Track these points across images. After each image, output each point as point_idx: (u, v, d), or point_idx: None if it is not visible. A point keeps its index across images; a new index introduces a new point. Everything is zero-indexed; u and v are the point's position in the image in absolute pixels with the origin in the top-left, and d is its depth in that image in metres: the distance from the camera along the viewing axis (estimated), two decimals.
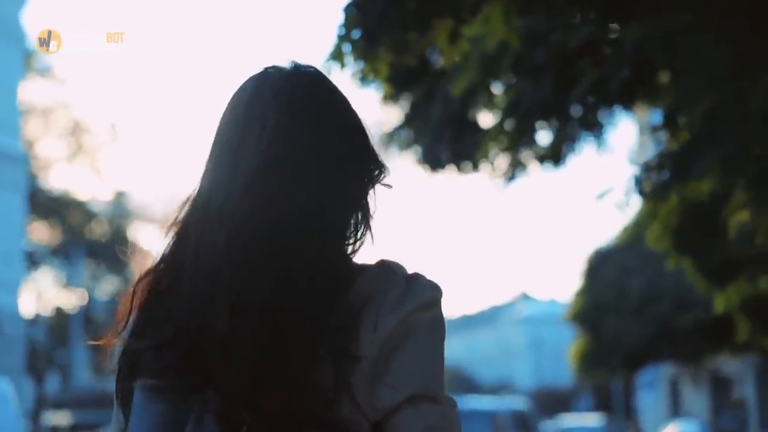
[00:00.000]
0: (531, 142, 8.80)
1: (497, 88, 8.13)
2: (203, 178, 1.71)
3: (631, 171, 7.98)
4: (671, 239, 9.76)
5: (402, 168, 10.67)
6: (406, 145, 10.42)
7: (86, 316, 45.89)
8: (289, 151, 1.64)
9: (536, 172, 9.51)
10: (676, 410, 39.07)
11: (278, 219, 1.61)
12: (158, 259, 1.74)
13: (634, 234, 27.36)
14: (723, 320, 23.59)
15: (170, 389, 1.60)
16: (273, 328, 1.55)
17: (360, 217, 1.71)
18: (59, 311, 47.15)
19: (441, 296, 1.65)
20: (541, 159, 9.20)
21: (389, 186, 1.75)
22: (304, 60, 1.79)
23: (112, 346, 1.74)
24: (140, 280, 1.74)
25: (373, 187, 1.73)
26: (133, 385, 1.66)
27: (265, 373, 1.54)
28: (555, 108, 7.33)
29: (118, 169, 72.80)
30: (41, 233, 43.74)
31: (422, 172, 10.30)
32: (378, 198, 1.74)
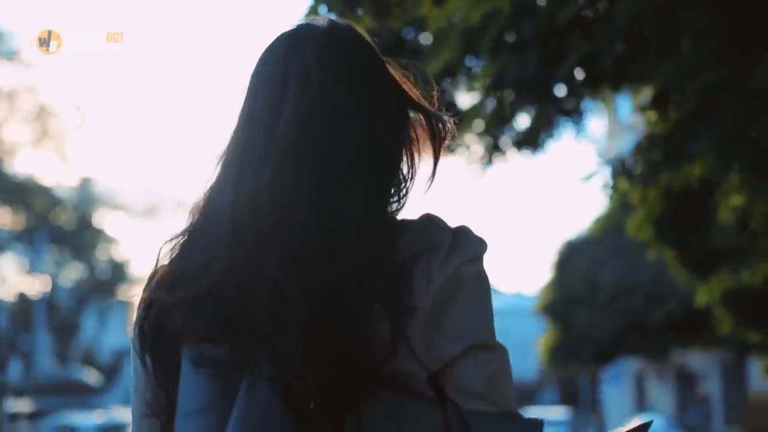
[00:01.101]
0: (509, 125, 8.46)
1: (478, 66, 7.76)
2: (236, 133, 1.69)
3: (611, 156, 7.69)
4: (653, 229, 9.47)
5: None
6: None
7: (50, 302, 45.60)
8: (331, 105, 1.63)
9: (513, 158, 9.18)
10: (641, 405, 39.24)
11: (323, 173, 1.60)
12: (188, 216, 1.71)
13: (607, 226, 27.19)
14: (695, 315, 23.50)
15: (218, 353, 1.57)
16: (323, 281, 1.54)
17: (404, 171, 1.71)
18: (22, 297, 46.79)
19: (486, 249, 1.65)
20: (519, 144, 8.87)
21: (454, 136, 1.79)
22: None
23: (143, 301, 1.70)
24: (172, 236, 1.71)
25: (410, 142, 1.73)
26: (173, 347, 1.63)
27: (319, 328, 1.52)
28: (540, 86, 6.94)
29: (85, 155, 72.19)
30: (5, 218, 43.35)
31: None
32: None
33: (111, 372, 50.09)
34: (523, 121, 8.64)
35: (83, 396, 40.99)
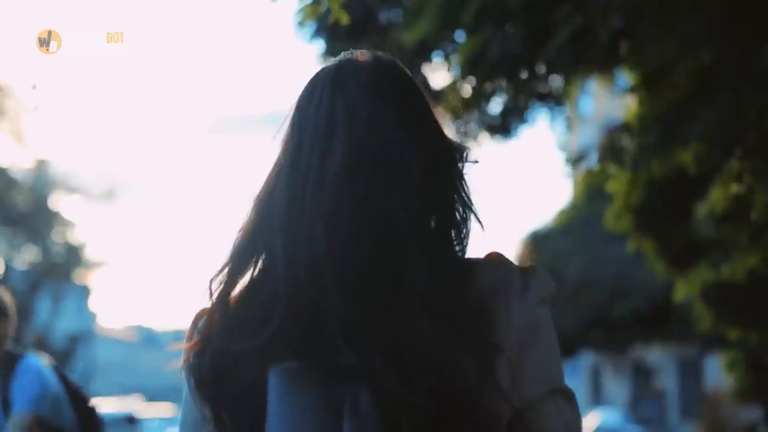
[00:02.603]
0: (483, 109, 8.04)
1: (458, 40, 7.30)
2: (279, 169, 1.68)
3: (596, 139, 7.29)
4: (633, 219, 9.07)
5: None
6: None
7: (2, 285, 44.87)
8: (382, 142, 1.62)
9: (483, 144, 8.79)
10: (596, 398, 39.39)
11: (381, 213, 1.58)
12: (232, 255, 1.69)
13: (571, 218, 26.96)
14: (659, 310, 23.31)
15: (313, 374, 1.55)
16: (400, 315, 1.52)
17: (462, 208, 1.69)
18: None
19: (554, 289, 1.66)
20: (491, 129, 8.46)
21: (475, 162, 1.74)
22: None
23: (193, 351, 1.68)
24: (212, 279, 1.70)
25: (462, 177, 1.71)
26: (242, 394, 1.60)
27: (409, 362, 1.50)
28: (523, 64, 6.46)
29: (41, 137, 71.24)
30: None
31: None
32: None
33: (64, 357, 49.44)
34: (496, 106, 8.26)
35: None
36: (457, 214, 1.69)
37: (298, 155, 1.66)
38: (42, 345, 48.19)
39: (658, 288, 22.95)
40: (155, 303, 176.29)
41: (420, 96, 1.73)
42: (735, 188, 6.04)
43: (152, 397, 60.22)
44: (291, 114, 1.72)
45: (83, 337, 53.83)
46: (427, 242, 1.60)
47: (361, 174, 1.60)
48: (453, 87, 7.75)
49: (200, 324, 1.70)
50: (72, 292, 53.42)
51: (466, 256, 1.69)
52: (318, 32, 9.88)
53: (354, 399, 1.52)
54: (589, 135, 21.28)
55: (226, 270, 1.69)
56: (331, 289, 1.54)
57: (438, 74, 8.86)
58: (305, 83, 1.75)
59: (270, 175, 1.71)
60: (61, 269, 49.61)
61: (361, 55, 1.75)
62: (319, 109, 1.67)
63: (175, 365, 1.73)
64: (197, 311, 1.73)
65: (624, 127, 6.58)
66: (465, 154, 1.72)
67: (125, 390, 61.90)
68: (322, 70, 1.74)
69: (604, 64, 7.26)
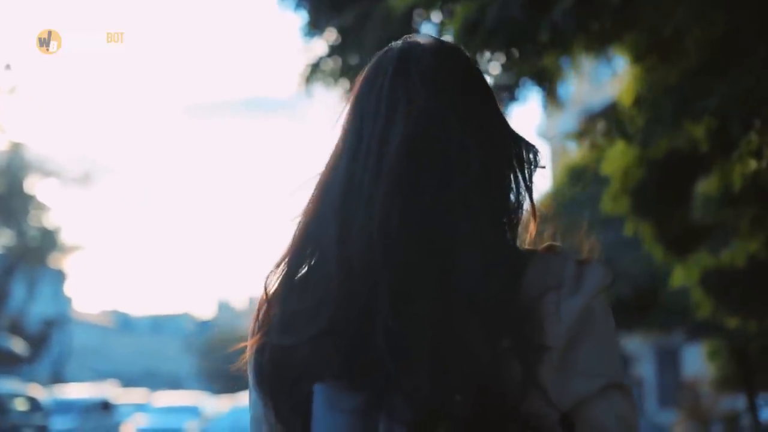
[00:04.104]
0: None
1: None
2: (339, 157, 1.67)
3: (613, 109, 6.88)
4: (630, 201, 8.67)
5: (328, 106, 9.37)
6: (333, 78, 9.02)
7: None
8: (442, 132, 1.61)
9: None
10: None
11: (437, 204, 1.56)
12: (290, 247, 1.69)
13: (553, 203, 26.64)
14: (643, 297, 23.05)
15: (350, 397, 1.54)
16: (445, 319, 1.50)
17: (516, 199, 1.68)
18: None
19: (611, 281, 1.61)
20: None
21: (543, 167, 1.73)
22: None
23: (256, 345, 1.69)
24: (272, 271, 1.70)
25: (522, 168, 1.69)
26: (297, 389, 1.61)
27: (448, 369, 1.48)
28: (526, 30, 6.00)
29: (17, 120, 70.79)
30: None
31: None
32: None
33: (39, 341, 49.24)
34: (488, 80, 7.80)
35: (10, 365, 40.23)
36: (513, 207, 1.67)
37: (358, 144, 1.65)
38: (17, 329, 47.86)
39: (642, 275, 22.71)
40: (131, 288, 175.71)
41: (482, 85, 1.71)
42: (753, 165, 5.65)
43: (127, 382, 59.98)
44: (352, 99, 1.72)
45: (58, 321, 53.65)
46: (481, 238, 1.56)
47: (418, 166, 1.58)
48: None
49: (260, 318, 1.70)
50: (47, 277, 53.37)
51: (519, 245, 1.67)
52: (301, 3, 9.46)
53: (390, 411, 1.50)
54: (567, 121, 21.02)
55: (285, 261, 1.69)
56: (380, 285, 1.53)
57: None
58: (368, 66, 1.73)
59: (330, 162, 1.70)
60: (37, 253, 49.47)
61: (424, 39, 1.73)
62: (380, 97, 1.66)
63: (241, 362, 1.75)
64: (259, 304, 1.72)
65: (612, 109, 6.17)
66: (530, 149, 1.70)
67: (100, 375, 61.67)
68: (385, 54, 1.72)
69: (604, 37, 6.87)
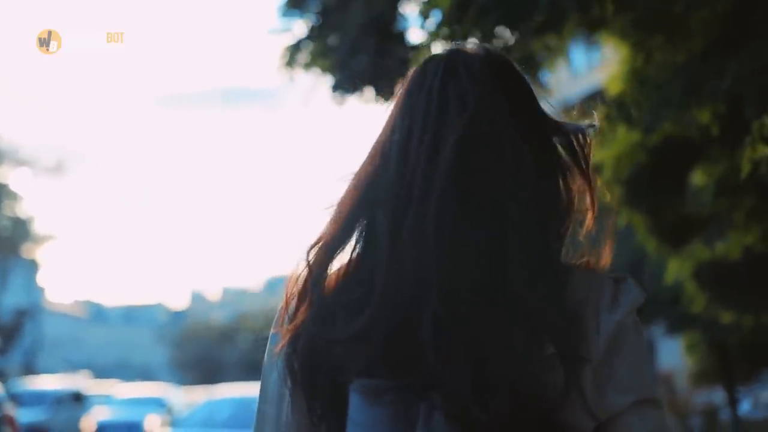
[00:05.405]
0: None
1: None
2: (385, 152, 1.68)
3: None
4: (623, 191, 8.36)
5: (308, 90, 8.99)
6: (313, 61, 8.64)
7: None
8: (493, 136, 1.63)
9: None
10: None
11: (489, 207, 1.58)
12: (328, 235, 1.70)
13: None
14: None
15: (391, 390, 1.56)
16: (489, 321, 1.53)
17: (563, 207, 1.70)
18: None
19: (644, 299, 1.65)
20: None
21: (594, 126, 1.77)
22: None
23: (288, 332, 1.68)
24: (307, 262, 1.69)
25: (578, 174, 1.72)
26: (332, 382, 1.62)
27: (489, 369, 1.51)
28: (521, 7, 5.67)
29: None
30: None
31: (332, 96, 8.60)
32: None
33: (11, 332, 49.01)
34: None
35: None
36: (562, 214, 1.69)
37: (407, 142, 1.65)
38: None
39: (625, 268, 22.57)
40: (104, 278, 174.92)
41: (529, 89, 1.73)
42: (764, 150, 5.32)
43: (100, 373, 59.56)
44: (401, 96, 1.73)
45: (30, 312, 53.37)
46: (532, 241, 1.59)
47: (471, 166, 1.60)
48: (427, 44, 6.96)
49: (292, 306, 1.70)
50: (19, 267, 53.25)
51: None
52: None
53: (428, 413, 1.51)
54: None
55: (321, 250, 1.69)
56: (431, 283, 1.54)
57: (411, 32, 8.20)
58: (413, 71, 1.75)
59: (374, 157, 1.70)
60: (9, 243, 49.31)
61: (470, 46, 1.76)
62: (431, 97, 1.67)
63: (275, 348, 1.70)
64: (290, 292, 1.71)
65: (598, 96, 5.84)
66: (578, 131, 1.74)
67: (73, 366, 61.23)
68: (431, 59, 1.75)
69: (595, 21, 6.60)
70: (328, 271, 1.67)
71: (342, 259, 1.68)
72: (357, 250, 1.67)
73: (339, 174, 1.73)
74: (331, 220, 1.70)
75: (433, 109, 1.66)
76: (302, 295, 1.68)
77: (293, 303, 1.70)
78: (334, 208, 1.71)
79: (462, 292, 1.53)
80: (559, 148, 1.73)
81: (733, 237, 8.73)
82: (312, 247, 1.70)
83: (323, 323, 1.63)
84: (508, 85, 1.70)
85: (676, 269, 9.54)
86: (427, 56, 1.77)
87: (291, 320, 1.68)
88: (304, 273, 1.69)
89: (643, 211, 8.72)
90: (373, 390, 1.57)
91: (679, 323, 18.69)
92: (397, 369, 1.56)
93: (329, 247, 1.69)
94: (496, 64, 1.72)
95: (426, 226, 1.57)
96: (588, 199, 1.73)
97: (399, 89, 1.76)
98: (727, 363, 19.65)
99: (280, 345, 1.69)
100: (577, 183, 1.72)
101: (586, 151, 1.74)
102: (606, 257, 1.73)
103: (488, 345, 1.51)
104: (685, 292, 10.15)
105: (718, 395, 22.25)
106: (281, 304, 1.72)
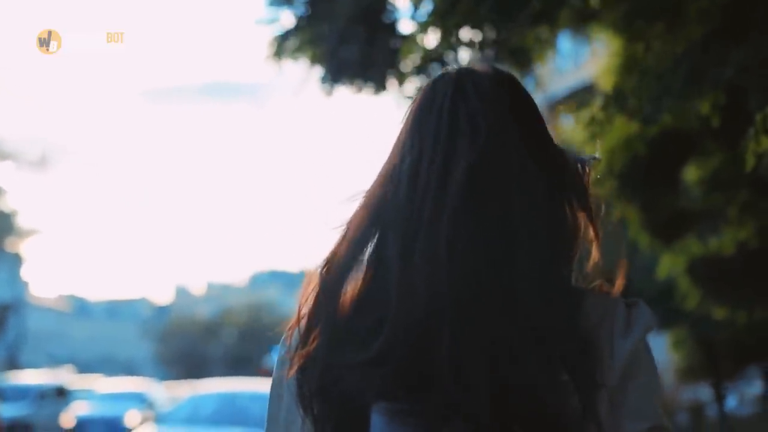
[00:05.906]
0: (449, 63, 7.13)
1: None
2: (395, 174, 1.68)
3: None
4: (616, 184, 8.23)
5: (299, 81, 8.82)
6: (301, 50, 8.48)
7: None
8: (503, 156, 1.64)
9: None
10: None
11: (502, 230, 1.59)
12: (337, 254, 1.69)
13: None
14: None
15: (416, 413, 1.56)
16: (505, 345, 1.53)
17: (570, 232, 1.70)
18: None
19: (655, 324, 1.66)
20: None
21: (597, 158, 1.78)
22: None
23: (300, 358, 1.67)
24: (319, 283, 1.69)
25: (578, 205, 1.71)
26: (345, 407, 1.62)
27: (508, 396, 1.51)
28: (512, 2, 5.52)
29: None
30: None
31: (320, 88, 8.44)
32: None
33: None
34: (463, 57, 7.34)
35: None
36: (570, 239, 1.69)
37: (418, 164, 1.65)
38: None
39: (610, 262, 22.55)
40: (88, 272, 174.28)
41: (536, 111, 1.74)
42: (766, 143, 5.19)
43: (84, 368, 59.34)
44: (411, 116, 1.73)
45: (14, 305, 53.24)
46: (544, 266, 1.58)
47: (482, 189, 1.60)
48: (414, 38, 6.82)
49: (302, 326, 1.69)
50: (3, 261, 53.17)
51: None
52: None
53: None
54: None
55: (334, 270, 1.68)
56: (444, 309, 1.54)
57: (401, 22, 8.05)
58: (422, 90, 1.76)
59: (384, 177, 1.70)
60: None
61: (479, 66, 1.76)
62: (441, 118, 1.67)
63: (285, 372, 1.69)
64: (302, 311, 1.70)
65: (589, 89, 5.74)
66: (583, 162, 1.73)
67: (56, 361, 61.09)
68: (440, 78, 1.75)
69: (588, 13, 6.48)
70: (341, 293, 1.66)
71: (353, 279, 1.67)
72: (368, 273, 1.66)
73: (349, 193, 1.73)
74: (340, 239, 1.70)
75: (444, 129, 1.66)
76: (313, 318, 1.67)
77: (303, 323, 1.68)
78: (344, 227, 1.71)
79: (475, 319, 1.53)
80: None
81: (727, 232, 8.61)
82: (323, 266, 1.70)
83: (337, 348, 1.62)
84: (517, 104, 1.71)
85: (669, 264, 9.43)
86: (436, 74, 1.77)
87: (303, 344, 1.67)
88: (315, 294, 1.69)
89: (636, 205, 8.61)
90: (397, 413, 1.57)
91: (665, 319, 18.62)
92: (415, 392, 1.55)
93: (340, 267, 1.67)
94: (505, 84, 1.73)
95: (438, 244, 1.57)
96: (591, 232, 1.72)
97: (409, 108, 1.76)
98: (714, 359, 19.58)
99: (291, 370, 1.67)
100: (580, 211, 1.72)
101: (585, 181, 1.73)
102: (619, 283, 1.70)
103: (505, 372, 1.51)
104: (673, 287, 10.06)
105: (704, 391, 22.19)
106: (290, 321, 1.72)
